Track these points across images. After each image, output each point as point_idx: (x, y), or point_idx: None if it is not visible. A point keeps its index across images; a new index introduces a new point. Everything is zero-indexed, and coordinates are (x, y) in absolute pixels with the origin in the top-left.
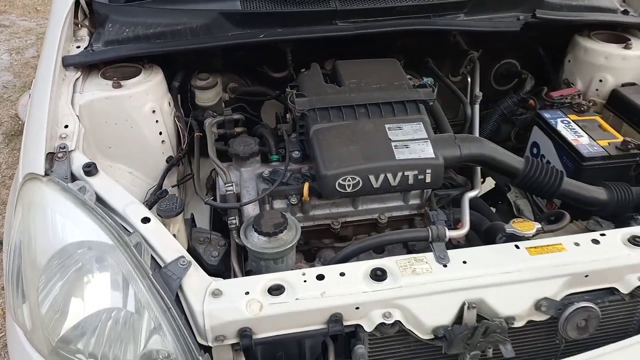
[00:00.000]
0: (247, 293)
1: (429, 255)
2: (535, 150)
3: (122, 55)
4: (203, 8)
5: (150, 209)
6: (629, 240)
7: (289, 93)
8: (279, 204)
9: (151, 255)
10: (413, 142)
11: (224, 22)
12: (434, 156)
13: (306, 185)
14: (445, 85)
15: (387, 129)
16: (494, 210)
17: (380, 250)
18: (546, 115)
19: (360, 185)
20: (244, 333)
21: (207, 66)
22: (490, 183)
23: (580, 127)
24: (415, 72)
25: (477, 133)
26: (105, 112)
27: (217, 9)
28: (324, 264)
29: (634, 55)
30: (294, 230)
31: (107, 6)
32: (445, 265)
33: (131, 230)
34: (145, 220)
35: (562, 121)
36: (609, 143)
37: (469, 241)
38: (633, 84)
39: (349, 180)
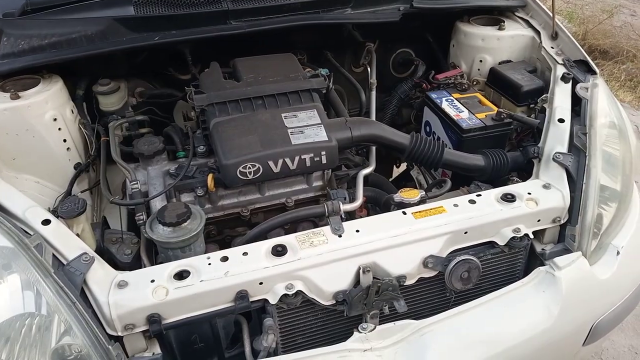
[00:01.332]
0: (152, 281)
1: (326, 228)
2: (427, 129)
3: (16, 67)
4: (97, 16)
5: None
6: (501, 197)
7: (189, 91)
8: (186, 197)
9: (53, 255)
10: (308, 128)
11: (118, 27)
12: (327, 139)
13: (210, 176)
14: (342, 76)
15: (283, 118)
16: None
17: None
18: (433, 95)
19: (261, 171)
20: (152, 319)
21: (111, 72)
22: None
23: (462, 104)
24: (317, 65)
25: (373, 117)
26: (5, 124)
27: (111, 16)
28: None
29: (506, 35)
30: (198, 219)
31: (1, 21)
32: (340, 236)
33: (32, 233)
34: (46, 222)
35: (446, 100)
36: (486, 115)
37: None
38: (508, 62)
39: (249, 168)
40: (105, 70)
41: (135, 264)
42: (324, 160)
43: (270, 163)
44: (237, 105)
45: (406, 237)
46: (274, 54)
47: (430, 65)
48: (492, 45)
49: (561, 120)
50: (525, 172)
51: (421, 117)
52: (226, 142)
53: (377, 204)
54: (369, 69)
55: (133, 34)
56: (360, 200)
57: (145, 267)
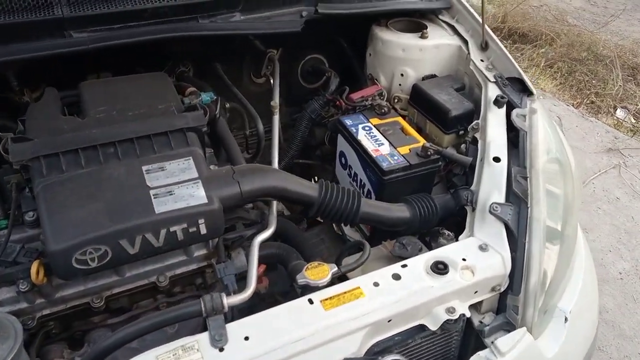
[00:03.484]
0: None
1: (203, 338)
2: (343, 160)
3: None
4: None
5: None
6: (432, 268)
7: (3, 137)
8: (5, 294)
9: None
10: (180, 186)
11: None
12: (206, 201)
13: (34, 265)
14: (235, 98)
15: (144, 173)
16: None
17: None
18: (347, 122)
19: (110, 255)
20: None
21: None
22: None
23: (382, 133)
24: (205, 81)
25: (275, 150)
26: None
27: None
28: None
29: (430, 45)
30: (11, 337)
31: None
32: (221, 349)
33: None
34: None
35: (363, 127)
36: (410, 150)
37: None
38: (433, 76)
39: (90, 253)
40: None
41: None
42: (202, 230)
43: (124, 243)
44: (76, 157)
45: (314, 340)
46: (139, 75)
47: (345, 76)
48: (414, 56)
49: (497, 160)
50: (458, 217)
51: (336, 139)
52: (56, 215)
53: (284, 265)
54: (271, 80)
55: None
56: (252, 286)
57: None
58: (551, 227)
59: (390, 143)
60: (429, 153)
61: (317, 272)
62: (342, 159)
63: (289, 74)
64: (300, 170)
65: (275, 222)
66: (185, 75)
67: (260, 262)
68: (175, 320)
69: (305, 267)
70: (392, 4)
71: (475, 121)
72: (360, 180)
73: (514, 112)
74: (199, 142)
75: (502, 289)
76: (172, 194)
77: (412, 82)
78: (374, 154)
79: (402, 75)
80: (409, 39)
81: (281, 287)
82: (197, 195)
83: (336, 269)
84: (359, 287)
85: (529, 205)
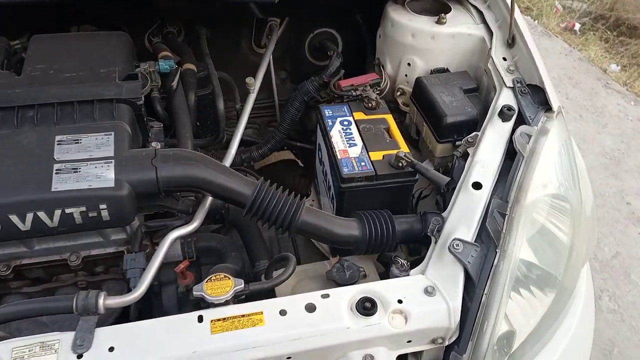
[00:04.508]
0: None
1: (67, 339)
2: (319, 155)
3: None
4: None
5: None
6: (356, 305)
7: None
8: None
9: None
10: (89, 164)
11: None
12: (112, 185)
13: None
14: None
15: (56, 144)
16: None
17: None
18: (326, 112)
19: (0, 228)
20: None
21: None
22: None
23: (360, 131)
24: (194, 49)
25: (239, 132)
26: None
27: None
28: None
29: (445, 32)
30: None
31: None
32: (80, 356)
33: None
34: None
35: (342, 122)
36: (383, 156)
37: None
38: (444, 70)
39: None
40: None
41: None
42: (105, 216)
43: (14, 218)
44: None
45: None
46: (96, 32)
47: (357, 59)
48: (425, 44)
49: (477, 186)
50: (423, 244)
51: None
52: None
53: (221, 259)
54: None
55: None
56: (142, 287)
57: None
58: (548, 273)
59: (364, 145)
60: (401, 164)
61: (218, 286)
62: (319, 152)
63: (296, 48)
64: (298, 154)
65: (202, 218)
66: (170, 37)
67: (196, 255)
68: (42, 313)
69: (210, 277)
70: None
71: (474, 133)
72: (329, 182)
73: (519, 130)
74: (131, 116)
75: (447, 343)
76: (77, 172)
77: (419, 73)
78: (339, 155)
79: (409, 64)
80: (421, 23)
81: None
82: (104, 176)
83: (242, 286)
84: (261, 313)
85: (497, 249)
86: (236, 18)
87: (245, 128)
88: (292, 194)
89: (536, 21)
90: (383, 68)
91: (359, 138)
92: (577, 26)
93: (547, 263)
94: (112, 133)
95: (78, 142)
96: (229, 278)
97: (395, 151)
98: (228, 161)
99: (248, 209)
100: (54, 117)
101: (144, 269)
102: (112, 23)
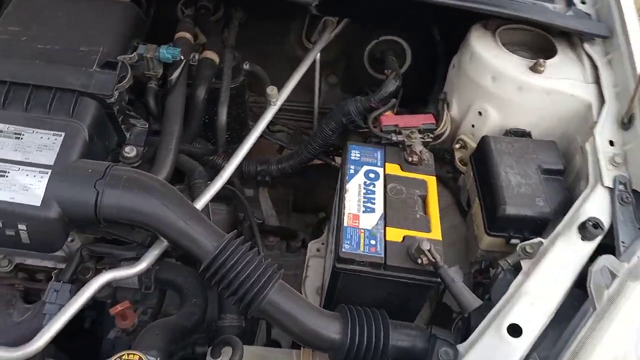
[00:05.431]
0: None
1: None
2: (336, 199)
3: None
4: None
5: None
6: None
7: None
8: None
9: None
10: (20, 169)
11: None
12: (37, 204)
13: None
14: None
15: None
16: None
17: None
18: (353, 153)
19: None
20: None
21: None
22: None
23: (386, 193)
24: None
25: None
26: None
27: None
28: None
29: (540, 86)
30: None
31: None
32: None
33: None
34: None
35: (367, 173)
36: (403, 238)
37: None
38: (524, 134)
39: None
40: None
41: None
42: (24, 238)
43: None
44: None
45: None
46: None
47: (420, 82)
48: (508, 94)
49: (515, 331)
50: None
51: None
52: None
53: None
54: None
55: None
56: (39, 342)
57: None
58: None
59: (384, 214)
60: (421, 260)
61: None
62: (336, 197)
63: (354, 52)
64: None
65: (153, 260)
66: (202, 14)
67: (153, 287)
68: None
69: (119, 355)
70: (515, 7)
71: (538, 240)
72: (330, 248)
73: (602, 261)
74: (96, 114)
75: None
76: (3, 176)
77: (489, 129)
78: (346, 221)
79: (480, 114)
80: (509, 65)
81: None
82: (32, 190)
83: None
84: None
85: None
86: (288, 5)
87: (279, 131)
88: (267, 261)
89: None
90: (447, 107)
91: (382, 202)
92: None
93: None
94: (62, 135)
95: (19, 137)
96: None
97: (422, 235)
98: (220, 181)
99: (204, 267)
100: (3, 99)
101: (62, 306)
102: None
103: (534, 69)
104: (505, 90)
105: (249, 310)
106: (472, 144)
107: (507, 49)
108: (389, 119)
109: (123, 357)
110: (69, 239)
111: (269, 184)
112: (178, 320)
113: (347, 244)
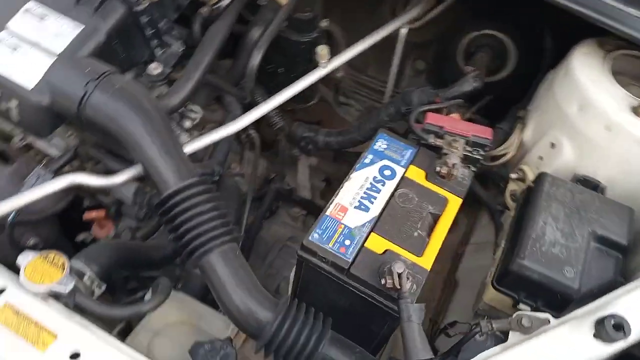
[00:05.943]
0: None
1: None
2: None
3: None
4: None
5: None
6: None
7: None
8: None
9: None
10: (31, 48)
11: None
12: (29, 87)
13: None
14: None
15: (20, 10)
16: None
17: None
18: (379, 143)
19: None
20: None
21: None
22: None
23: (392, 198)
24: None
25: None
26: None
27: None
28: None
29: (634, 133)
30: None
31: None
32: None
33: None
34: None
35: (382, 168)
36: (385, 251)
37: None
38: (593, 187)
39: None
40: None
41: None
42: (14, 115)
43: None
44: None
45: None
46: None
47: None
48: (592, 131)
49: None
50: None
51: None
52: None
53: None
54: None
55: None
56: None
57: None
58: None
59: (377, 218)
60: (386, 282)
61: (43, 270)
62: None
63: (449, 41)
64: None
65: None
66: None
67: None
68: None
69: (39, 255)
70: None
71: (544, 315)
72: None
73: None
74: (120, 19)
75: None
76: (14, 51)
77: (557, 167)
78: (330, 210)
79: (553, 145)
80: (605, 96)
81: None
82: (31, 73)
83: (64, 291)
84: (55, 336)
85: None
86: None
87: (342, 103)
88: (227, 221)
89: None
90: (522, 127)
91: (381, 205)
92: None
93: None
94: (82, 27)
95: (42, 20)
96: (64, 267)
97: (409, 256)
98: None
99: (159, 202)
100: None
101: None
102: None
103: (637, 110)
104: (590, 125)
105: (187, 261)
106: (532, 175)
107: (616, 79)
108: (436, 118)
109: (47, 256)
110: (67, 134)
111: (311, 153)
112: (142, 248)
113: (317, 233)
